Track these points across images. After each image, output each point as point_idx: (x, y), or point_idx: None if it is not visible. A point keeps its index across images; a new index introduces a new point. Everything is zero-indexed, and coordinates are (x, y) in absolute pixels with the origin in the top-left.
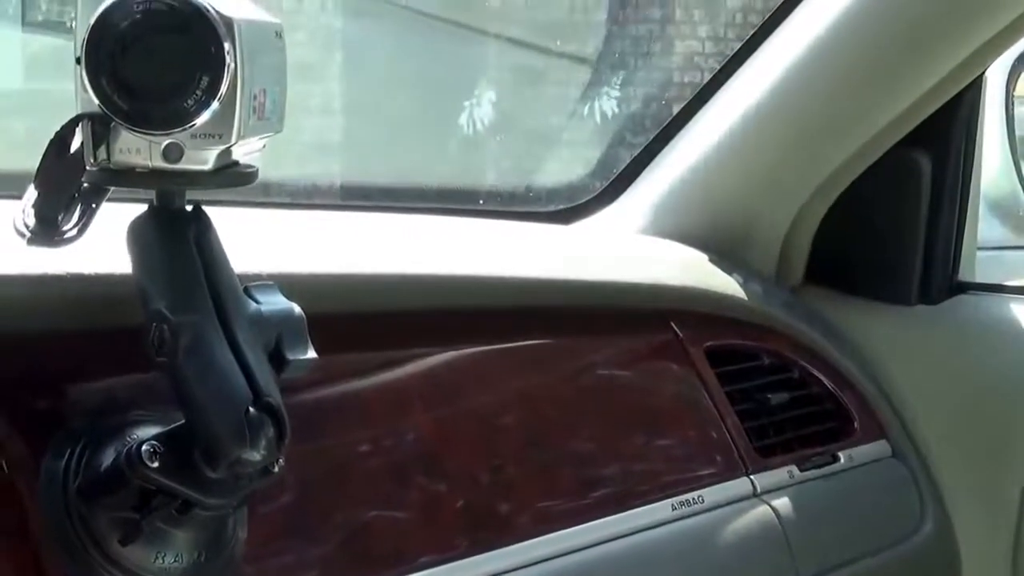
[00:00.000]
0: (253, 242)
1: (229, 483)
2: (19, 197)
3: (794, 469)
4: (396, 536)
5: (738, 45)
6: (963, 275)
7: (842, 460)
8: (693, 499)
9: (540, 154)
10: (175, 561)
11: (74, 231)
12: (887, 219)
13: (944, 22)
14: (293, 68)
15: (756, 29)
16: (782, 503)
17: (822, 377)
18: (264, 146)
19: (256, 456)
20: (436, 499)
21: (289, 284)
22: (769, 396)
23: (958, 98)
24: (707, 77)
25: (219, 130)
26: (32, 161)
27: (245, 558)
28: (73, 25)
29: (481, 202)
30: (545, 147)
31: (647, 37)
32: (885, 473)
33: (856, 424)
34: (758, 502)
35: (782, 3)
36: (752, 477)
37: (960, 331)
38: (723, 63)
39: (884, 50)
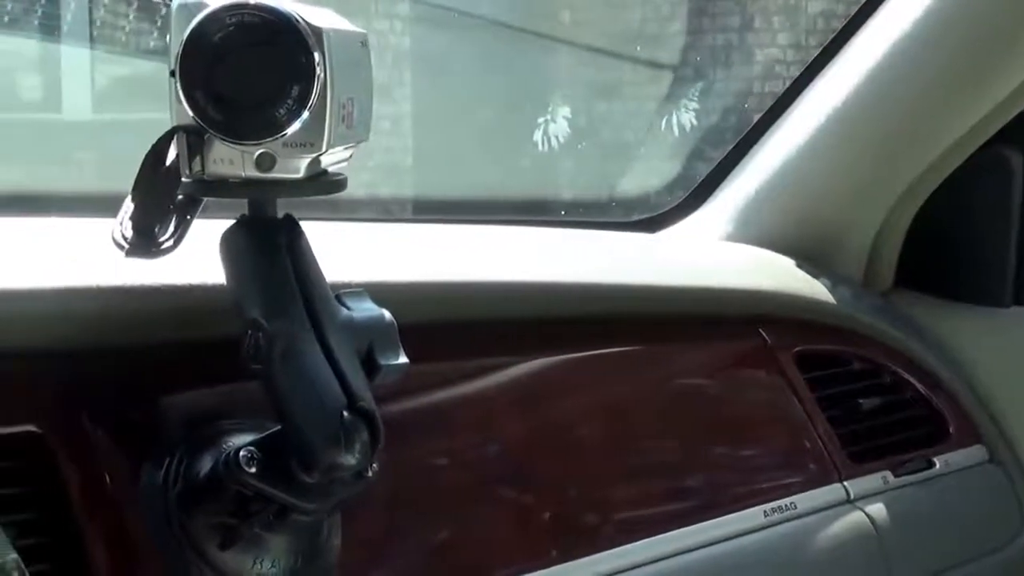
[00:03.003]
0: (339, 253)
1: (324, 488)
2: (112, 216)
3: (888, 475)
4: (485, 545)
5: (818, 51)
6: None
7: (938, 466)
8: (785, 505)
9: (622, 164)
10: (272, 567)
11: (170, 242)
12: (979, 219)
13: None
14: (377, 80)
15: (838, 31)
16: (876, 509)
17: (914, 381)
18: (351, 155)
19: (351, 460)
20: (525, 508)
21: (377, 293)
22: (860, 401)
23: None
24: (787, 84)
25: (310, 139)
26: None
27: (338, 566)
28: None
29: (563, 213)
30: (627, 157)
31: (727, 46)
32: (982, 479)
33: (951, 429)
34: (852, 508)
35: (864, 4)
36: (845, 483)
37: None
38: (805, 66)
39: (970, 47)
